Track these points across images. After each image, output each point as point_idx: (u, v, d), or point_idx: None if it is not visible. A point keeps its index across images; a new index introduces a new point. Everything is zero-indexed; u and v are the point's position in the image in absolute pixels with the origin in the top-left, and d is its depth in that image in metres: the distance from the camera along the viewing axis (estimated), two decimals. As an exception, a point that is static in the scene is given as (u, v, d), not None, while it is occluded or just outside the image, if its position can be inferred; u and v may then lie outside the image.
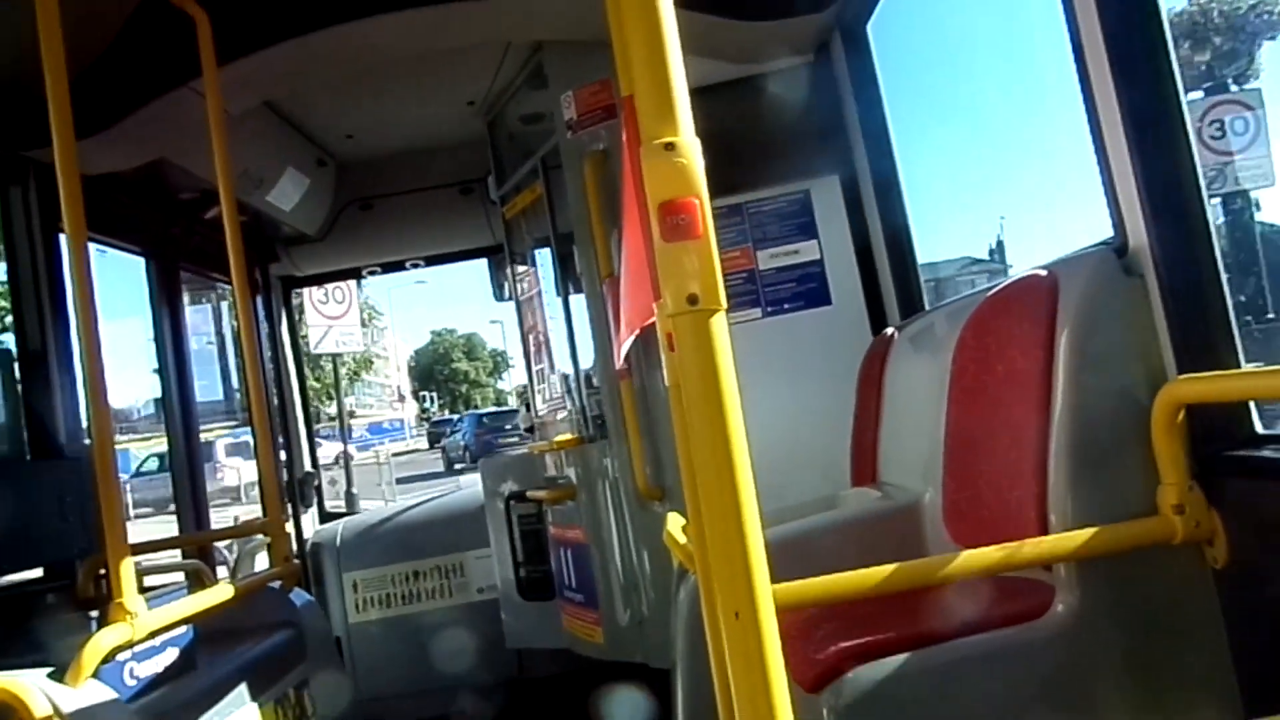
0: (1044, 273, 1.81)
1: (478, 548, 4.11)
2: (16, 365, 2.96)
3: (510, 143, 3.95)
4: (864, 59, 3.05)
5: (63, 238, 3.01)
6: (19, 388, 2.96)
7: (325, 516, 4.62)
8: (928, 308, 2.92)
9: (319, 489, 4.65)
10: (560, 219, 3.50)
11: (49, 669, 1.79)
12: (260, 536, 3.61)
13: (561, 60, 3.30)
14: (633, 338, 2.20)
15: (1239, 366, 1.62)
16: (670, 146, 0.78)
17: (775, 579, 0.87)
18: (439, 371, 62.84)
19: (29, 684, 1.71)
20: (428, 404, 57.26)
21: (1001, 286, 1.99)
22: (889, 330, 2.82)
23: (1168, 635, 1.63)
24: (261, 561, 3.64)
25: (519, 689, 3.97)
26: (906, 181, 3.01)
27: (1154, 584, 1.63)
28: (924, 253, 3.06)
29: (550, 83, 3.35)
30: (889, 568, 1.46)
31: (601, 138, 3.19)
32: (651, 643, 3.16)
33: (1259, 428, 1.60)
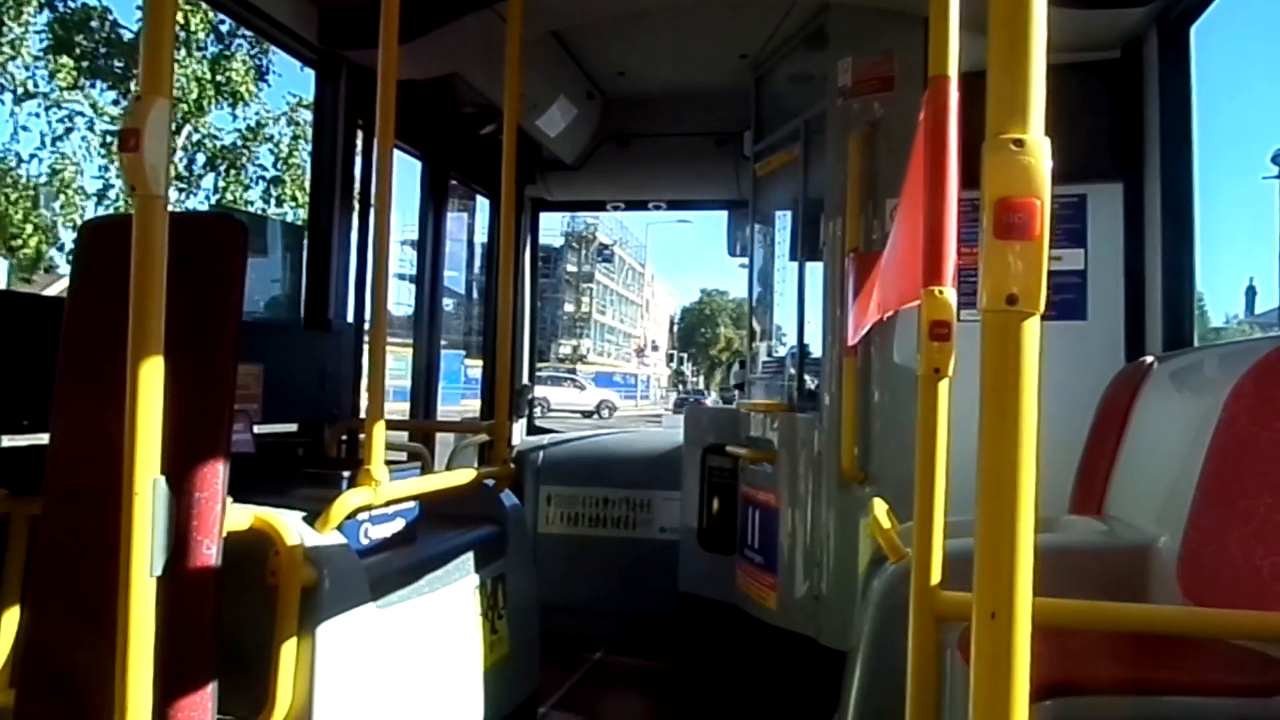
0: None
1: (668, 489, 4.24)
2: (305, 242, 3.32)
3: (774, 101, 3.94)
4: (1180, 61, 2.79)
5: (359, 133, 3.33)
6: (304, 262, 3.32)
7: (532, 430, 4.89)
8: (1196, 343, 2.69)
9: (531, 402, 4.93)
10: (811, 185, 3.47)
11: (303, 513, 2.03)
12: (472, 435, 3.89)
13: (845, 24, 3.24)
14: (881, 317, 2.17)
15: None
16: (1019, 143, 0.76)
17: None
18: (701, 334, 58.29)
19: (288, 522, 1.95)
20: (676, 364, 52.52)
21: None
22: (1148, 359, 2.62)
23: None
24: (471, 458, 3.91)
25: (682, 632, 4.09)
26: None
27: None
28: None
29: (830, 45, 3.30)
30: (1153, 608, 1.39)
31: (873, 110, 3.11)
32: (825, 620, 3.16)
33: None
